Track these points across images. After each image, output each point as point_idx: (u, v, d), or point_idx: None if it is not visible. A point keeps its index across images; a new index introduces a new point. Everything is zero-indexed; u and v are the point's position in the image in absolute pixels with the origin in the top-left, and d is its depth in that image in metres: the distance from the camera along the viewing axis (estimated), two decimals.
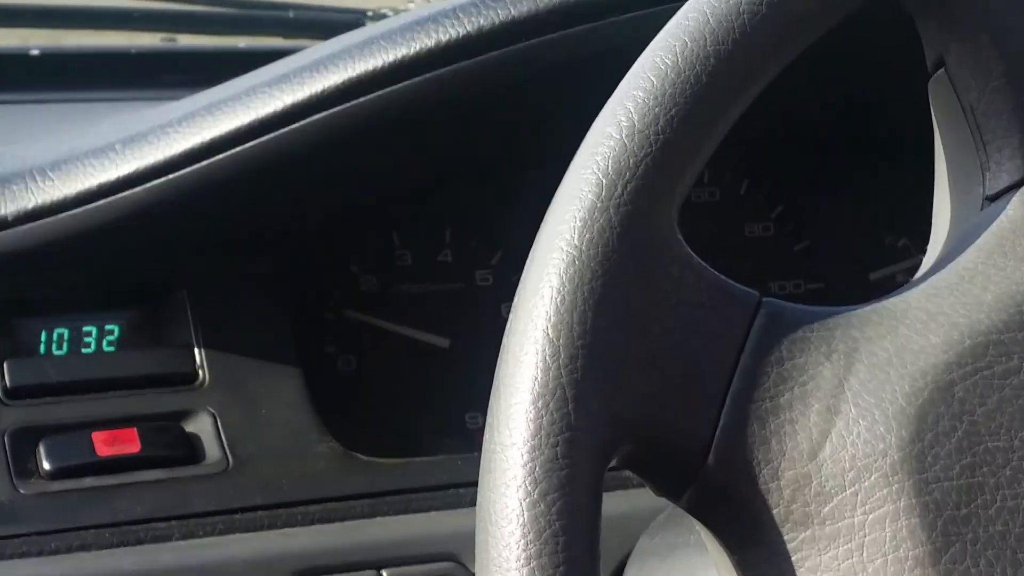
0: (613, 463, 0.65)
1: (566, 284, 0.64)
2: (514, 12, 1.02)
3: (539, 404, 0.62)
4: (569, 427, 0.62)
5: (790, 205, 1.25)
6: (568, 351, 0.63)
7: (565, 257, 0.64)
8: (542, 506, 0.60)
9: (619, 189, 0.64)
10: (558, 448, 0.62)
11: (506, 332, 0.65)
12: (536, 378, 0.63)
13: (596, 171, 0.65)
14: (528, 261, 0.66)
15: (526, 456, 0.62)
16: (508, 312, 0.66)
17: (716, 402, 0.65)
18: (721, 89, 0.67)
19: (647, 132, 0.65)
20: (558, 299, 0.63)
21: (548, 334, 0.63)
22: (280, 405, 1.05)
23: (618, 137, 0.65)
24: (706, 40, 0.67)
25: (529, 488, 0.61)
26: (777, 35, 0.68)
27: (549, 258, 0.64)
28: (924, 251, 0.78)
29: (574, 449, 0.62)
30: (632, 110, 0.66)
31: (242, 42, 1.59)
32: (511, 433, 0.63)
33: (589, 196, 0.65)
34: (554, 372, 0.63)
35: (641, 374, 0.64)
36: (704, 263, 0.67)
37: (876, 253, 1.25)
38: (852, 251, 1.25)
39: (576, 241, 0.64)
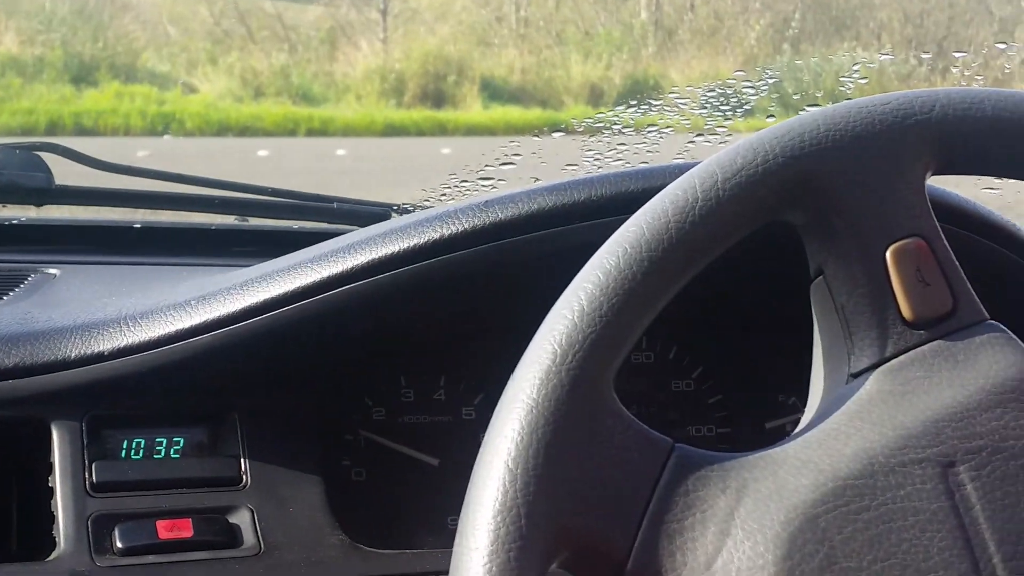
0: (554, 566, 0.66)
1: (524, 428, 0.65)
2: (502, 215, 1.03)
3: (498, 519, 0.63)
4: (521, 537, 0.63)
5: (707, 367, 1.25)
6: (523, 479, 0.64)
7: (524, 408, 0.65)
8: None
9: (570, 358, 0.66)
10: (511, 553, 0.63)
11: (476, 461, 0.66)
12: (497, 499, 0.64)
13: (553, 343, 0.67)
14: (497, 408, 0.67)
15: (486, 558, 0.63)
16: None
17: (635, 522, 0.66)
18: (652, 285, 0.68)
19: (594, 315, 0.67)
20: (517, 439, 0.65)
21: (508, 465, 0.64)
22: (304, 505, 1.04)
23: (571, 318, 0.67)
24: (641, 247, 0.69)
25: None
26: (696, 247, 0.70)
27: (513, 407, 0.66)
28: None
29: (524, 554, 0.63)
30: (583, 298, 0.67)
31: (295, 225, 1.60)
32: (476, 539, 0.64)
33: (546, 361, 0.66)
34: (511, 495, 0.64)
35: (578, 499, 0.65)
36: (632, 415, 0.68)
37: (771, 407, 1.24)
38: (753, 405, 1.25)
39: (535, 395, 0.66)
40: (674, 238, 0.69)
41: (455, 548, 0.65)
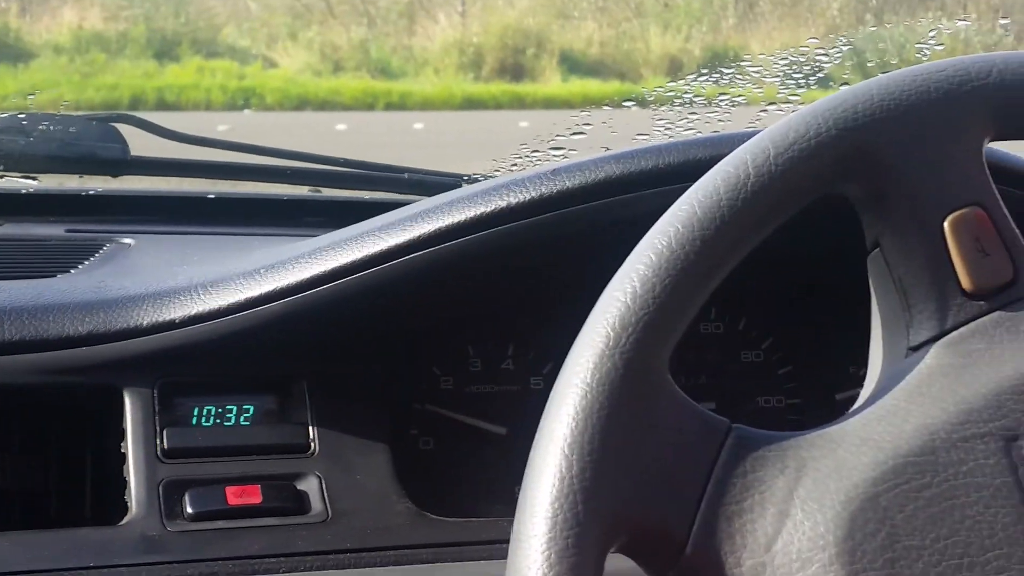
0: (613, 550, 0.66)
1: (579, 413, 0.65)
2: (569, 183, 1.03)
3: (556, 505, 0.63)
4: (579, 523, 0.63)
5: (777, 338, 1.25)
6: (580, 464, 0.64)
7: (579, 392, 0.65)
8: None
9: (623, 341, 0.66)
10: (569, 540, 0.63)
11: (533, 447, 0.66)
12: (555, 484, 0.64)
13: (606, 325, 0.66)
14: (552, 392, 0.67)
15: (545, 545, 0.63)
16: None
17: (693, 504, 0.66)
18: (705, 264, 0.68)
19: (647, 297, 0.66)
20: (573, 424, 0.65)
21: (564, 451, 0.64)
22: (371, 473, 1.05)
23: (623, 300, 0.67)
24: (693, 227, 0.68)
25: (546, 571, 0.62)
26: (751, 222, 0.69)
27: (568, 391, 0.66)
28: None
29: (582, 540, 0.63)
30: (635, 280, 0.67)
31: (367, 195, 1.61)
32: (534, 526, 0.64)
33: (600, 345, 0.66)
34: (568, 480, 0.64)
35: (636, 483, 0.65)
36: (687, 397, 0.68)
37: (841, 378, 1.23)
38: (823, 376, 1.24)
39: (589, 379, 0.65)
40: (726, 216, 0.68)
41: (512, 535, 0.65)
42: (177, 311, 1.04)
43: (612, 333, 0.66)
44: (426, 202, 1.09)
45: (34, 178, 1.55)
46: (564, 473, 0.64)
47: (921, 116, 0.71)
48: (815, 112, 0.72)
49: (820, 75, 1.63)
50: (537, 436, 0.66)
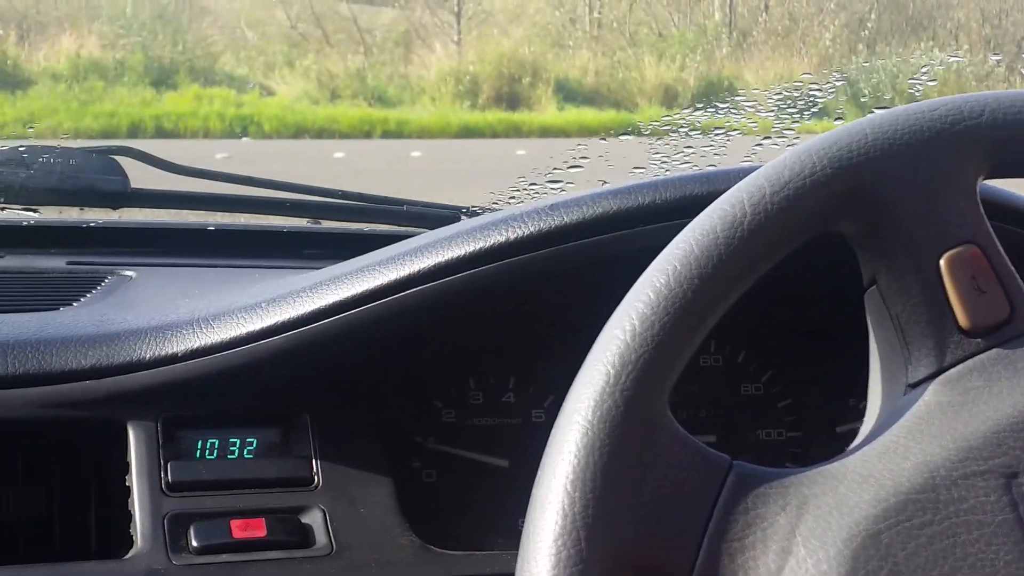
0: None
1: (581, 450, 0.65)
2: (567, 219, 1.03)
3: (559, 543, 0.64)
4: (582, 560, 0.63)
5: (776, 371, 1.25)
6: (582, 502, 0.64)
7: (580, 430, 0.65)
8: None
9: (623, 379, 0.66)
10: None
11: (536, 484, 0.66)
12: (557, 522, 0.64)
13: (606, 363, 0.67)
14: (553, 429, 0.67)
15: None
16: None
17: (696, 542, 0.66)
18: (703, 302, 0.68)
19: (646, 335, 0.67)
20: (575, 462, 0.65)
21: (567, 488, 0.64)
22: (375, 506, 1.05)
23: (623, 338, 0.67)
24: (691, 265, 0.69)
25: None
26: (748, 260, 0.69)
27: (569, 429, 0.66)
28: None
29: None
30: (634, 318, 0.67)
31: (366, 228, 1.61)
32: (538, 564, 0.64)
33: (600, 383, 0.66)
34: (571, 518, 0.64)
35: (638, 520, 0.65)
36: (688, 434, 0.68)
37: (841, 411, 1.23)
38: (823, 409, 1.24)
39: (590, 417, 0.66)
40: (724, 254, 0.69)
41: (517, 572, 0.65)
42: (179, 345, 1.05)
43: (612, 371, 0.66)
44: (426, 236, 1.09)
45: (35, 210, 1.55)
46: (567, 511, 0.64)
47: (915, 155, 0.72)
48: (810, 151, 0.72)
49: (815, 109, 1.64)
50: (539, 473, 0.66)
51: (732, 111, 1.67)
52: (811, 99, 1.63)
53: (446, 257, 1.03)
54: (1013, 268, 0.73)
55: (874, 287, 0.74)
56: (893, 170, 0.72)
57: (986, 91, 0.76)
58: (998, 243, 0.73)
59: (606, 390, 0.66)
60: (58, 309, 1.17)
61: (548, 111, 12.09)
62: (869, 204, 0.71)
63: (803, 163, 0.71)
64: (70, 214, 1.59)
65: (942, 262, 0.72)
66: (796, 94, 1.64)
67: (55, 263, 1.43)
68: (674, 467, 0.67)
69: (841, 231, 0.73)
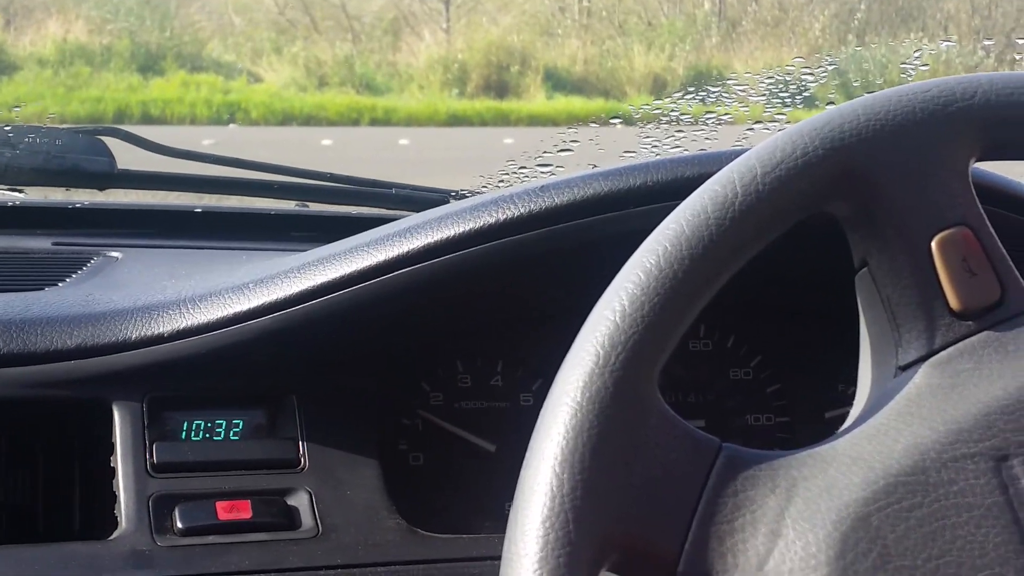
0: (605, 569, 0.66)
1: (570, 431, 0.65)
2: (558, 200, 1.03)
3: (547, 524, 0.63)
4: (570, 543, 0.63)
5: (766, 356, 1.25)
6: (570, 483, 0.64)
7: (569, 411, 0.65)
8: None
9: (612, 359, 0.66)
10: (561, 559, 0.63)
11: (524, 465, 0.66)
12: (545, 504, 0.64)
13: (596, 344, 0.66)
14: (542, 411, 0.67)
15: (537, 564, 0.63)
16: None
17: (685, 524, 0.65)
18: (693, 283, 0.68)
19: (635, 316, 0.66)
20: (563, 443, 0.64)
21: (555, 469, 0.64)
22: (361, 488, 1.05)
23: (612, 319, 0.66)
24: (681, 245, 0.68)
25: None
26: (739, 241, 0.69)
27: (558, 410, 0.65)
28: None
29: (573, 559, 0.63)
30: (624, 298, 0.67)
31: (354, 211, 1.60)
32: (525, 546, 0.64)
33: (589, 364, 0.66)
34: (559, 499, 0.63)
35: (626, 502, 0.65)
36: (677, 415, 0.67)
37: (830, 396, 1.23)
38: (812, 394, 1.24)
39: (579, 398, 0.65)
40: (714, 235, 0.68)
41: (504, 554, 0.65)
42: (166, 325, 1.04)
43: (602, 352, 0.66)
44: (414, 218, 1.09)
45: (20, 191, 1.55)
46: (555, 492, 0.64)
47: (907, 136, 0.72)
48: (801, 131, 0.72)
49: (806, 94, 1.64)
50: (528, 455, 0.66)
51: (723, 95, 1.66)
52: (802, 85, 1.63)
53: (434, 238, 1.03)
54: (1004, 252, 0.73)
55: (865, 269, 0.74)
56: (885, 151, 0.71)
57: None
58: (990, 225, 0.73)
59: (595, 371, 0.65)
60: (43, 289, 1.16)
61: (537, 100, 12.08)
62: (861, 185, 0.71)
63: (795, 144, 0.71)
64: (56, 195, 1.58)
65: (933, 244, 0.71)
66: (788, 78, 1.64)
67: (40, 244, 1.42)
68: (663, 449, 0.66)
69: (832, 212, 0.73)
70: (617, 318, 0.66)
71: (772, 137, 0.73)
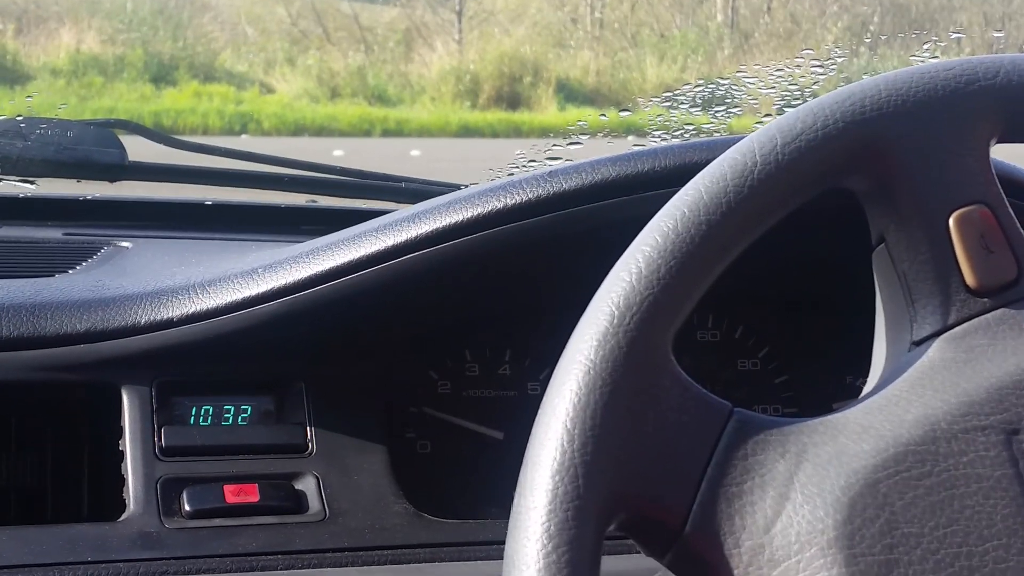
0: (612, 527, 0.66)
1: (582, 388, 0.65)
2: (566, 185, 1.03)
3: (556, 478, 0.63)
4: (579, 497, 0.63)
5: (773, 347, 1.24)
6: (581, 439, 0.64)
7: (582, 369, 0.65)
8: (554, 556, 0.62)
9: (627, 319, 0.66)
10: (569, 512, 0.63)
11: (536, 420, 0.66)
12: (555, 458, 0.64)
13: (611, 304, 0.66)
14: (556, 367, 0.67)
15: (544, 517, 0.63)
16: None
17: (694, 485, 0.66)
18: (710, 249, 0.68)
19: (651, 277, 0.66)
20: (575, 399, 0.64)
21: (566, 425, 0.64)
22: (369, 474, 1.05)
23: (628, 280, 0.67)
24: (699, 211, 0.68)
25: (545, 542, 0.62)
26: (756, 210, 0.69)
27: (571, 367, 0.66)
28: None
29: (581, 514, 0.63)
30: (641, 260, 0.67)
31: (364, 204, 1.61)
32: (534, 499, 0.64)
33: (604, 323, 0.66)
34: (569, 454, 0.64)
35: (636, 460, 0.65)
36: (690, 379, 0.68)
37: (838, 387, 1.23)
38: (819, 385, 1.23)
39: (592, 356, 0.65)
40: (732, 202, 0.69)
41: (513, 508, 0.65)
42: (175, 310, 1.04)
43: (616, 312, 0.66)
44: (423, 204, 1.09)
45: (32, 182, 1.55)
46: (565, 447, 0.64)
47: (928, 112, 0.72)
48: (823, 105, 0.72)
49: (816, 86, 1.64)
50: (540, 410, 0.66)
51: (733, 87, 1.67)
52: (811, 78, 1.63)
53: (442, 223, 1.03)
54: (1022, 231, 0.73)
55: (882, 244, 0.74)
56: (905, 127, 0.71)
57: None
58: (1008, 204, 0.73)
59: (610, 330, 0.66)
60: (54, 276, 1.17)
61: (549, 111, 12.10)
62: (880, 160, 0.71)
63: (816, 116, 0.71)
64: (67, 186, 1.59)
65: (951, 220, 0.71)
66: (798, 71, 1.64)
67: (51, 234, 1.43)
68: (675, 410, 0.66)
69: (851, 187, 0.73)
70: (633, 279, 0.67)
71: (794, 110, 0.73)
